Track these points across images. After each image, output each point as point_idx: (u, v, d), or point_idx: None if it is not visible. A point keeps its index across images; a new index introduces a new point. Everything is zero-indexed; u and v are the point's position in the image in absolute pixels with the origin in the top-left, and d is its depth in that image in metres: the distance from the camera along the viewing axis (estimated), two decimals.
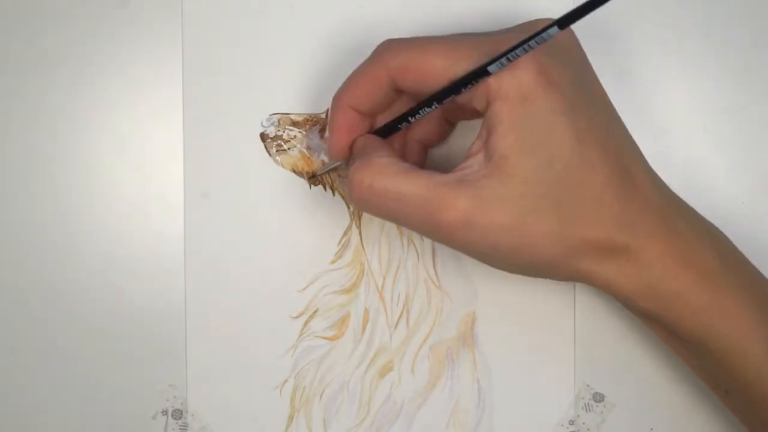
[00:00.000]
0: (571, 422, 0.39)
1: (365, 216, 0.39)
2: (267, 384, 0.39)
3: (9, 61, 0.39)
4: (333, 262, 0.39)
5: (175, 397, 0.39)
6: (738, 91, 0.39)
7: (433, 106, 0.32)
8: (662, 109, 0.38)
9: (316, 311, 0.39)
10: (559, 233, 0.30)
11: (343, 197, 0.39)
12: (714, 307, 0.31)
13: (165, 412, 0.39)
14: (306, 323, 0.39)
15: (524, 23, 0.32)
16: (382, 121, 0.34)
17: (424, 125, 0.35)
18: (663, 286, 0.31)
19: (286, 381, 0.39)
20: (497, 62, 0.29)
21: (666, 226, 0.31)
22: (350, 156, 0.34)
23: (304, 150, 0.39)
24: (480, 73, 0.29)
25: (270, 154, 0.39)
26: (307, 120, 0.39)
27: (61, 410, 0.39)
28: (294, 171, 0.39)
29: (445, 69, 0.30)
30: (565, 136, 0.29)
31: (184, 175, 0.39)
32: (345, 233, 0.39)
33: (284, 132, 0.39)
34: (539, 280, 0.37)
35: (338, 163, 0.36)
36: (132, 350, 0.38)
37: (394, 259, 0.39)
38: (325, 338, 0.39)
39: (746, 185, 0.38)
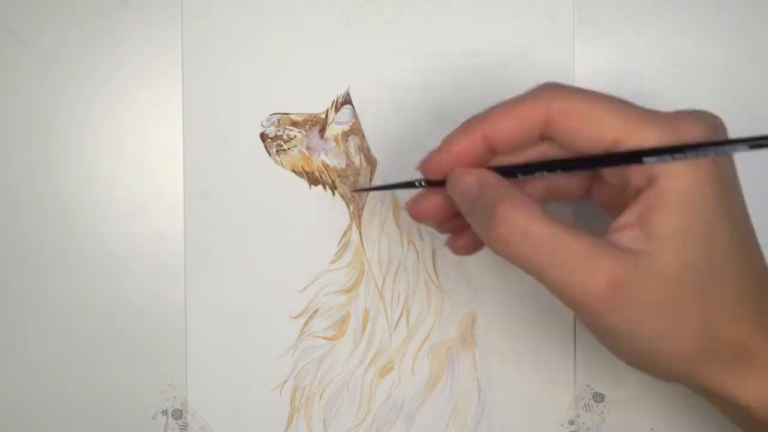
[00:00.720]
0: (571, 422, 0.39)
1: (365, 216, 0.39)
2: (267, 384, 0.39)
3: (9, 60, 0.39)
4: (333, 262, 0.39)
5: (175, 397, 0.39)
6: None
7: (587, 168, 0.30)
8: None
9: (316, 311, 0.39)
10: (701, 328, 0.28)
11: (343, 197, 0.39)
12: None
13: (165, 412, 0.39)
14: (306, 323, 0.39)
15: (703, 113, 0.30)
16: (498, 162, 0.32)
17: (560, 180, 0.33)
18: None
19: (286, 381, 0.39)
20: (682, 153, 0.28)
21: None
22: (441, 179, 0.32)
23: (304, 150, 0.39)
24: (662, 152, 0.28)
25: (270, 154, 0.39)
26: (307, 120, 0.39)
27: (61, 410, 0.39)
28: (294, 171, 0.39)
29: (614, 126, 0.29)
30: (726, 229, 0.28)
31: (184, 175, 0.39)
32: (345, 233, 0.39)
33: (284, 132, 0.39)
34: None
35: (410, 186, 0.33)
36: (132, 350, 0.38)
37: (394, 259, 0.39)
38: (325, 338, 0.39)
39: None
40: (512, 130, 0.30)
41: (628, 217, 0.29)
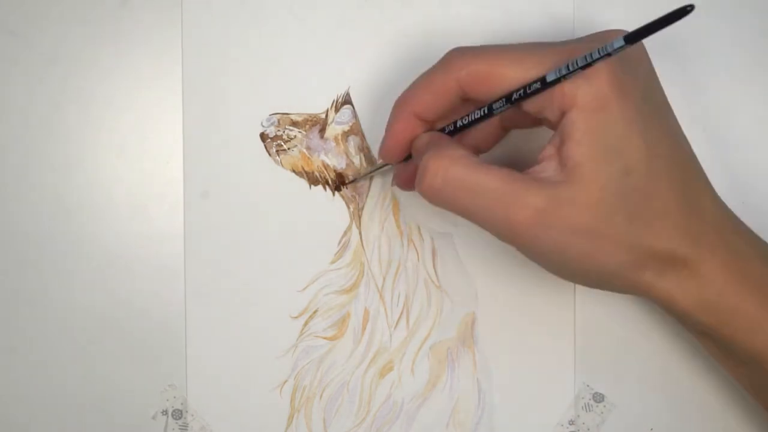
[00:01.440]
0: (571, 422, 0.39)
1: (365, 216, 0.39)
2: (267, 384, 0.39)
3: (9, 60, 0.39)
4: (333, 262, 0.39)
5: (175, 397, 0.39)
6: None
7: (502, 108, 0.31)
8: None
9: (316, 311, 0.39)
10: (629, 242, 0.30)
11: (343, 197, 0.39)
12: None
13: (165, 412, 0.39)
14: (306, 323, 0.39)
15: (594, 34, 0.32)
16: (439, 126, 0.34)
17: (480, 130, 0.35)
18: (721, 301, 0.31)
19: (286, 381, 0.39)
20: (570, 70, 0.29)
21: (725, 242, 0.31)
22: (402, 159, 0.35)
23: (304, 150, 0.39)
24: (557, 80, 0.30)
25: (270, 154, 0.39)
26: (307, 120, 0.39)
27: (62, 410, 0.39)
28: (294, 171, 0.39)
29: (517, 79, 0.30)
30: (638, 146, 0.30)
31: (184, 175, 0.39)
32: (345, 233, 0.39)
33: (284, 132, 0.39)
34: (539, 280, 0.37)
35: (386, 166, 0.36)
36: (132, 350, 0.38)
37: (394, 259, 0.39)
38: (325, 338, 0.39)
39: None
40: (433, 103, 0.33)
41: (548, 149, 0.31)
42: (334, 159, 0.39)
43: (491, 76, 0.31)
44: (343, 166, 0.39)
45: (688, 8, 0.25)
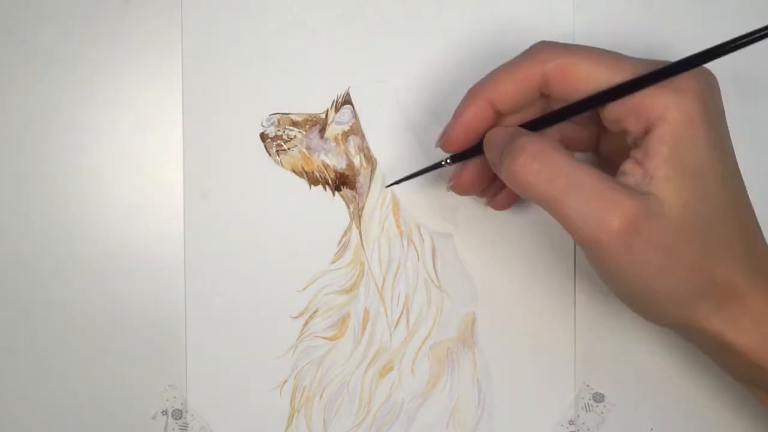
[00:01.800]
0: (571, 422, 0.39)
1: (365, 216, 0.39)
2: (267, 384, 0.39)
3: (9, 60, 0.39)
4: (333, 262, 0.39)
5: (175, 397, 0.39)
6: None
7: (585, 107, 0.31)
8: None
9: (316, 311, 0.39)
10: (698, 266, 0.30)
11: (343, 197, 0.39)
12: None
13: (165, 412, 0.39)
14: (306, 323, 0.39)
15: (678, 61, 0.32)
16: (508, 122, 0.34)
17: (565, 132, 0.35)
18: None
19: (286, 381, 0.39)
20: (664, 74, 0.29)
21: None
22: (462, 149, 0.34)
23: (304, 150, 0.39)
24: (643, 83, 0.30)
25: (270, 154, 0.39)
26: (307, 120, 0.39)
27: (62, 410, 0.39)
28: (294, 171, 0.39)
29: (605, 79, 0.30)
30: (717, 172, 0.30)
31: (184, 175, 0.39)
32: (345, 233, 0.39)
33: (284, 132, 0.39)
34: (539, 280, 0.37)
35: (438, 168, 0.36)
36: (132, 350, 0.38)
37: (394, 259, 0.39)
38: (325, 338, 0.39)
39: None
40: (513, 92, 0.32)
41: (630, 164, 0.30)
42: (334, 159, 0.39)
43: (578, 72, 0.31)
44: (343, 166, 0.39)
45: None
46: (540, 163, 0.30)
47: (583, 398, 0.39)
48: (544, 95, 0.32)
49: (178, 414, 0.39)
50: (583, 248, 0.30)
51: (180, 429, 0.39)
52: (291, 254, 0.39)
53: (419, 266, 0.39)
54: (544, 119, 0.33)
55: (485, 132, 0.33)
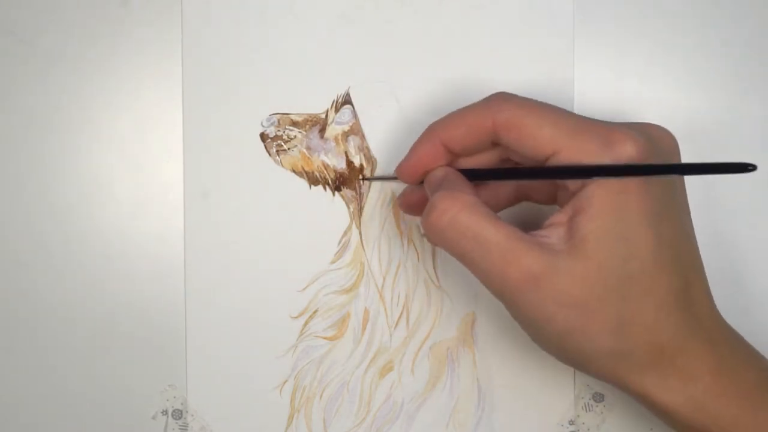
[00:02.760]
0: (571, 422, 0.39)
1: (365, 216, 0.39)
2: (267, 384, 0.39)
3: (9, 60, 0.39)
4: (333, 262, 0.39)
5: (175, 397, 0.39)
6: None
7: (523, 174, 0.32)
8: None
9: (316, 311, 0.39)
10: (616, 329, 0.30)
11: (343, 197, 0.39)
12: (756, 428, 0.31)
13: (165, 412, 0.39)
14: (306, 323, 0.39)
15: (636, 124, 0.32)
16: (463, 164, 0.34)
17: (492, 190, 0.35)
18: (706, 403, 0.30)
19: (286, 381, 0.39)
20: (606, 173, 0.29)
21: (715, 345, 0.31)
22: (416, 182, 0.34)
23: (304, 150, 0.39)
24: (595, 172, 0.30)
25: (270, 154, 0.39)
26: (307, 120, 0.39)
27: (61, 410, 0.39)
28: (294, 171, 0.39)
29: (552, 140, 0.30)
30: (649, 238, 0.30)
31: (184, 175, 0.39)
32: (345, 233, 0.39)
33: (284, 132, 0.39)
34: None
35: (394, 178, 0.36)
36: (132, 350, 0.38)
37: (394, 259, 0.39)
38: (325, 338, 0.39)
39: None
40: (465, 136, 0.32)
41: (560, 216, 0.31)
42: (334, 159, 0.39)
43: (527, 128, 0.31)
44: (343, 166, 0.39)
45: (750, 167, 0.25)
46: (448, 222, 0.30)
47: (583, 398, 0.39)
48: (495, 144, 0.33)
49: (178, 414, 0.39)
50: (498, 299, 0.31)
51: (180, 429, 0.39)
52: (291, 254, 0.39)
53: (419, 266, 0.39)
54: (484, 173, 0.33)
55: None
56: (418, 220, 0.39)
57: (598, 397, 0.39)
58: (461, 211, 0.30)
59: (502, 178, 0.33)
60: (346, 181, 0.39)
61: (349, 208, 0.39)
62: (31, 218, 0.39)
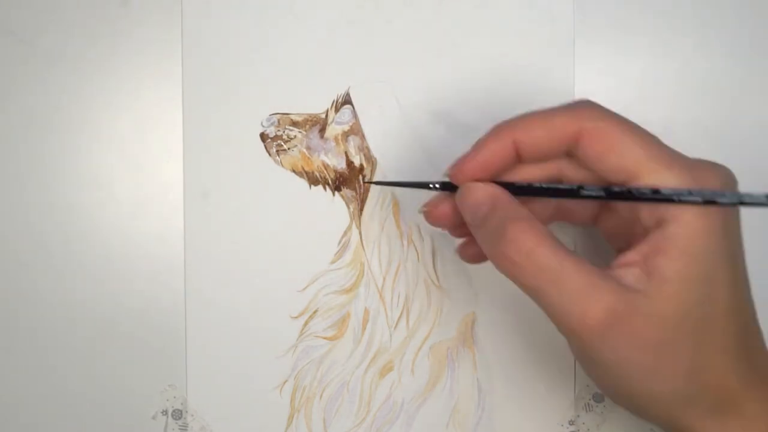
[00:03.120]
0: (571, 422, 0.39)
1: (365, 216, 0.39)
2: (267, 384, 0.39)
3: (9, 60, 0.39)
4: (333, 262, 0.39)
5: (175, 397, 0.39)
6: None
7: (594, 195, 0.30)
8: None
9: (316, 311, 0.39)
10: (689, 372, 0.29)
11: (343, 197, 0.39)
12: None
13: (165, 412, 0.39)
14: (306, 323, 0.39)
15: (719, 166, 0.30)
16: (521, 174, 0.32)
17: (534, 205, 0.33)
18: None
19: (286, 381, 0.39)
20: (690, 197, 0.28)
21: None
22: (474, 179, 0.32)
23: (304, 150, 0.39)
24: (669, 199, 0.29)
25: (270, 154, 0.39)
26: (307, 120, 0.39)
27: (62, 410, 0.39)
28: (294, 171, 0.39)
29: (638, 161, 0.29)
30: (726, 281, 0.29)
31: (184, 175, 0.39)
32: (345, 233, 0.39)
33: (284, 132, 0.39)
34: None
35: (424, 186, 0.33)
36: (132, 350, 0.38)
37: (394, 259, 0.39)
38: (325, 338, 0.39)
39: None
40: (543, 139, 0.30)
41: (633, 255, 0.29)
42: (334, 159, 0.39)
43: (616, 143, 0.29)
44: (343, 166, 0.39)
45: None
46: (526, 258, 0.29)
47: (583, 398, 0.39)
48: (570, 154, 0.31)
49: (178, 414, 0.39)
50: (567, 339, 0.30)
51: (180, 429, 0.39)
52: (291, 254, 0.39)
53: (419, 266, 0.39)
54: (540, 189, 0.31)
55: (501, 172, 0.32)
56: (421, 219, 0.39)
57: (598, 397, 0.39)
58: (539, 246, 0.29)
59: (560, 195, 0.31)
60: (346, 181, 0.39)
61: (349, 208, 0.39)
62: (31, 218, 0.39)
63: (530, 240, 0.29)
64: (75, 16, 0.39)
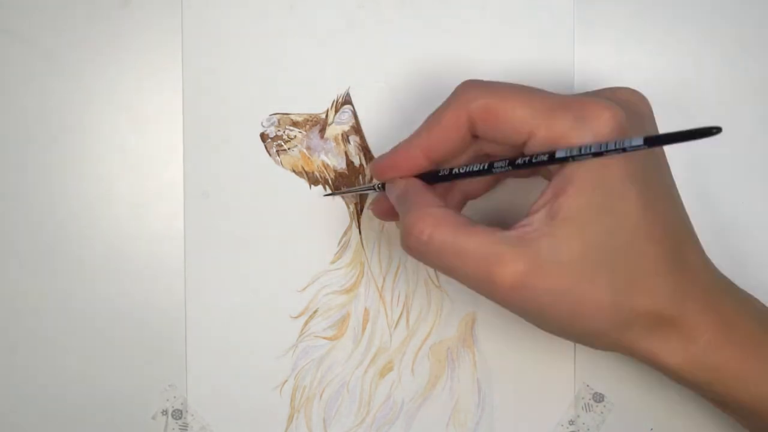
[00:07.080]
0: (571, 422, 0.39)
1: (365, 216, 0.39)
2: (267, 384, 0.39)
3: (9, 61, 0.39)
4: (333, 262, 0.39)
5: (175, 397, 0.39)
6: None
7: (503, 169, 0.31)
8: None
9: (316, 311, 0.39)
10: (612, 304, 0.30)
11: (343, 197, 0.39)
12: (760, 375, 0.31)
13: (165, 412, 0.39)
14: (306, 323, 0.39)
15: (606, 90, 0.32)
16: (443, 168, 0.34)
17: (472, 180, 0.34)
18: (708, 358, 0.31)
19: (286, 381, 0.39)
20: (581, 153, 0.29)
21: (713, 301, 0.31)
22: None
23: (304, 150, 0.39)
24: (565, 159, 0.29)
25: (270, 154, 0.39)
26: (307, 120, 0.39)
27: (62, 410, 0.39)
28: (294, 171, 0.39)
29: (526, 121, 0.30)
30: (634, 206, 0.29)
31: (184, 175, 0.39)
32: (345, 233, 0.39)
33: (284, 132, 0.39)
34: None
35: (370, 189, 0.37)
36: (132, 350, 0.38)
37: (394, 259, 0.39)
38: (325, 338, 0.39)
39: None
40: (444, 141, 0.32)
41: (539, 201, 0.30)
42: (334, 159, 0.39)
43: (502, 113, 0.30)
44: (343, 166, 0.39)
45: (714, 130, 0.25)
46: (426, 241, 0.30)
47: (583, 398, 0.39)
48: (476, 137, 0.32)
49: (178, 414, 0.39)
50: (492, 302, 0.31)
51: (180, 429, 0.39)
52: (291, 254, 0.39)
53: (419, 266, 0.39)
54: (459, 173, 0.32)
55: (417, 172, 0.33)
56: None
57: (598, 397, 0.39)
58: (435, 228, 0.30)
59: (477, 175, 0.32)
60: (346, 181, 0.39)
61: (349, 208, 0.39)
62: (31, 218, 0.39)
63: (425, 225, 0.30)
64: (75, 16, 0.39)
